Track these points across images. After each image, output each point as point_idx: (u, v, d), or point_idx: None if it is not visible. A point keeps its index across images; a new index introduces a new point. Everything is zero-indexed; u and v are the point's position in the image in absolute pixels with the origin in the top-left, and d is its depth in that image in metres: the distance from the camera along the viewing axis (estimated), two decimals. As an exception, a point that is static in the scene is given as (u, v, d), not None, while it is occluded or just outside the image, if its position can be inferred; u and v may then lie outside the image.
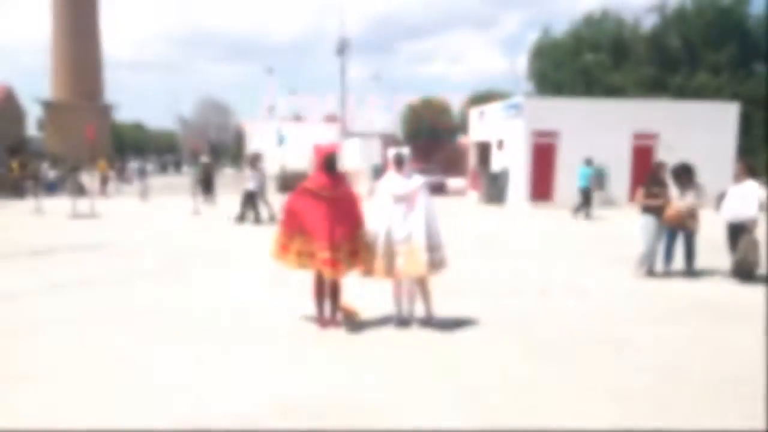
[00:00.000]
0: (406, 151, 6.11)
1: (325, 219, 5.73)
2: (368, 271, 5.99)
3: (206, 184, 22.13)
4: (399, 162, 5.99)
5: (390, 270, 5.85)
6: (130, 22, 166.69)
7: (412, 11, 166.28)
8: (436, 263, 5.90)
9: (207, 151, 42.86)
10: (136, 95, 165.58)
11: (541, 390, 4.51)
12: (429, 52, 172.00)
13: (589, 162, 18.13)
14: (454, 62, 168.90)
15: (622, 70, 39.58)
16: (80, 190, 22.31)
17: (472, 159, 28.26)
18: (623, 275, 8.98)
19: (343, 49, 36.77)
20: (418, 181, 6.01)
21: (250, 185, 15.55)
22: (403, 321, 6.07)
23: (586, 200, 17.68)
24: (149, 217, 16.88)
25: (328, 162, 5.90)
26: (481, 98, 68.97)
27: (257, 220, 15.28)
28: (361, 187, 24.58)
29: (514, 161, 22.58)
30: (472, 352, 5.35)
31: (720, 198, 9.67)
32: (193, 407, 4.10)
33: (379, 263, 5.86)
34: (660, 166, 9.60)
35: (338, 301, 6.05)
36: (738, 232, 8.54)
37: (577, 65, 41.77)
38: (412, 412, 4.08)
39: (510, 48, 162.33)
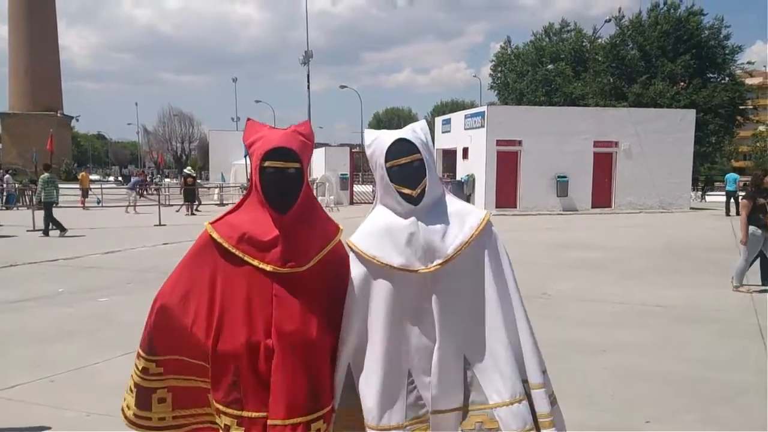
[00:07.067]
0: (419, 131, 2.10)
1: (266, 341, 1.95)
2: None
3: (189, 195, 22.60)
4: (410, 175, 2.02)
5: None
6: (92, 33, 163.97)
7: (378, 22, 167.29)
8: None
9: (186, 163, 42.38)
10: (98, 106, 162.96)
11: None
12: (394, 63, 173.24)
13: (737, 170, 21.80)
14: (419, 72, 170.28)
15: (582, 79, 40.43)
16: (40, 203, 21.80)
17: (438, 167, 28.51)
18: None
19: (307, 59, 36.75)
20: (474, 221, 2.08)
21: None
22: None
23: (731, 200, 21.16)
24: (114, 231, 16.59)
25: (266, 184, 1.95)
26: (446, 107, 69.81)
27: None
28: (328, 198, 24.67)
29: (478, 169, 22.87)
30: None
31: None
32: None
33: None
34: (765, 173, 8.72)
35: None
36: None
37: (538, 75, 42.53)
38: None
39: (474, 58, 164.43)
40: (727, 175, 22.61)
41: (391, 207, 2.07)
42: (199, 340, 2.00)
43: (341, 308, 2.09)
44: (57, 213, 15.55)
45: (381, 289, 2.04)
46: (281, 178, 1.94)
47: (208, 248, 2.04)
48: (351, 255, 2.09)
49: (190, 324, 2.01)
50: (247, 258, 1.97)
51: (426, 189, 2.02)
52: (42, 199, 15.22)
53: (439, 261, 1.99)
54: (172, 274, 2.10)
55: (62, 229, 14.79)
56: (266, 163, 1.94)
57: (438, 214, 2.06)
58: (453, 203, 2.13)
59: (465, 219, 2.07)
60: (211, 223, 2.06)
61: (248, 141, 2.05)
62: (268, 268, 1.95)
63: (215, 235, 2.02)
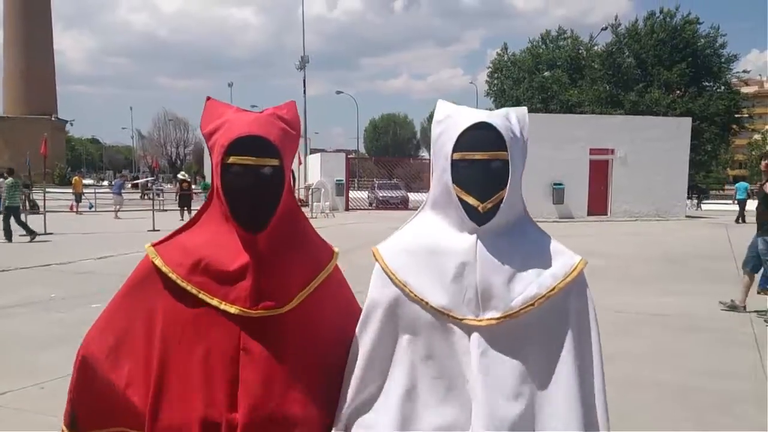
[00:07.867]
0: (515, 119, 1.38)
1: (229, 415, 1.33)
2: None
3: (184, 200, 22.49)
4: (483, 179, 1.32)
5: None
6: (87, 37, 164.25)
7: (375, 27, 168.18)
8: None
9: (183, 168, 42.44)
10: (92, 110, 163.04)
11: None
12: (391, 68, 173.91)
13: (744, 178, 22.99)
14: (416, 78, 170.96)
15: (578, 86, 40.57)
16: (33, 207, 21.74)
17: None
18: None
19: (304, 64, 36.79)
20: (560, 268, 1.38)
21: None
22: None
23: (742, 208, 22.53)
24: (108, 236, 16.50)
25: (231, 190, 1.35)
26: (442, 114, 69.87)
27: None
28: (323, 204, 24.62)
29: (474, 176, 22.89)
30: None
31: None
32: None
33: None
34: None
35: None
36: None
37: (535, 82, 42.65)
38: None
39: (470, 65, 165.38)
40: (737, 184, 24.41)
41: (444, 217, 1.39)
42: (137, 408, 1.40)
43: (340, 368, 1.45)
44: (48, 218, 15.45)
45: (402, 330, 1.38)
46: (252, 181, 1.33)
47: (149, 281, 1.44)
48: (375, 269, 1.43)
49: (124, 385, 1.42)
50: (203, 295, 1.37)
51: (502, 204, 1.32)
52: (7, 204, 14.83)
53: (496, 314, 1.31)
54: (100, 316, 1.50)
55: (8, 238, 14.40)
56: (231, 159, 1.34)
57: (510, 246, 1.36)
58: (536, 234, 1.43)
59: (548, 261, 1.38)
60: (155, 245, 1.46)
61: (207, 129, 1.42)
62: (233, 310, 1.35)
63: (159, 263, 1.41)
